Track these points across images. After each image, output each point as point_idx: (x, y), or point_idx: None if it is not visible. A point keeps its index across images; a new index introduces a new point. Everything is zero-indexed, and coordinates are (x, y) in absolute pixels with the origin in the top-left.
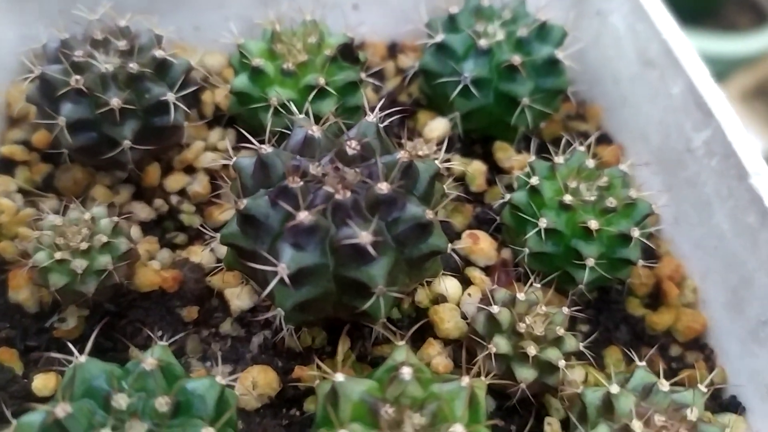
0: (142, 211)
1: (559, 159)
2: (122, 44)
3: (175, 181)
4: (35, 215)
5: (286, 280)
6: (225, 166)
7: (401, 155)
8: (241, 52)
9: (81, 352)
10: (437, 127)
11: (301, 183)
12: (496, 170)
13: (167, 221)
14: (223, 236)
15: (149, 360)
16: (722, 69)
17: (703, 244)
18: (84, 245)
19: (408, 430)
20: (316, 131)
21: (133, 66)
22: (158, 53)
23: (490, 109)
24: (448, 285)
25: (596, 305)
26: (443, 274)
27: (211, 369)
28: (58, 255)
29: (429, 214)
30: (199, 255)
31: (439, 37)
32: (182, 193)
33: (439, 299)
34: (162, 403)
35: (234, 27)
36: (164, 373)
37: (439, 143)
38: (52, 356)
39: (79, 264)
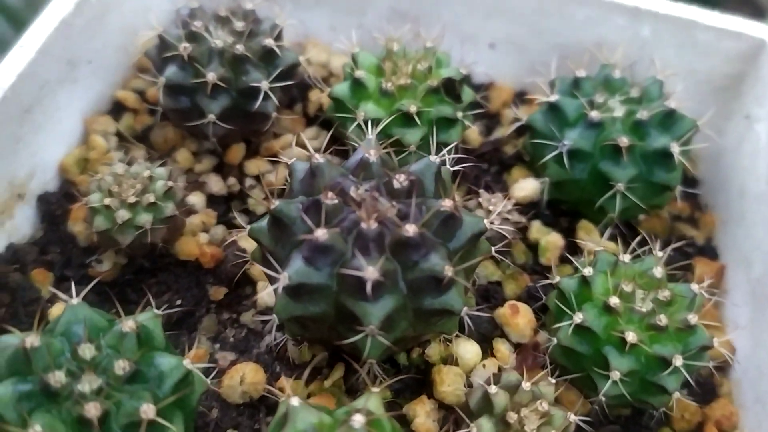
0: (216, 184)
1: (624, 257)
2: (240, 25)
3: (255, 165)
4: (118, 159)
5: (280, 290)
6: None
7: (445, 203)
8: (352, 60)
9: (111, 296)
10: (526, 187)
11: (336, 201)
12: (574, 249)
13: (235, 201)
14: (251, 230)
15: (129, 323)
16: None
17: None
18: (132, 199)
19: None
20: (372, 155)
21: (239, 47)
22: (267, 42)
23: (583, 184)
24: (466, 350)
25: (625, 423)
26: (467, 336)
27: (215, 352)
28: (107, 201)
29: (448, 271)
30: (249, 242)
31: (553, 97)
32: (258, 178)
33: (449, 360)
34: (120, 366)
35: (358, 35)
36: (140, 340)
37: (525, 205)
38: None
39: (122, 215)
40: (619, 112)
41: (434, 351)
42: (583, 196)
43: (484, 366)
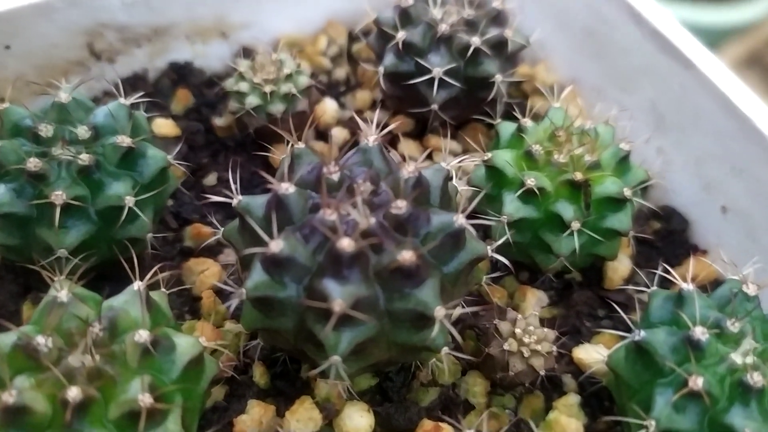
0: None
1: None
2: (468, 13)
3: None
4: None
5: (350, 312)
6: None
7: (458, 219)
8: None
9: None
10: None
11: (335, 215)
12: None
13: None
14: (225, 231)
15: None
16: (714, 39)
17: None
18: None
19: None
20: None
21: (475, 40)
22: (502, 33)
23: None
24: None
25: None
26: None
27: None
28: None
29: (438, 313)
30: None
31: None
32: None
33: None
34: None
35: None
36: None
37: None
38: None
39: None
40: None
41: None
42: None
43: None
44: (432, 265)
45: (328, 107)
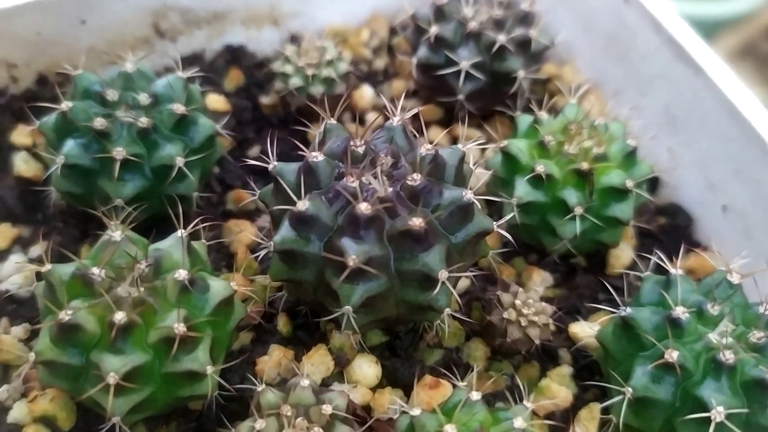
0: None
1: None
2: (497, 13)
3: None
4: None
5: (362, 266)
6: None
7: (467, 194)
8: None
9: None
10: None
11: (358, 182)
12: None
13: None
14: (261, 193)
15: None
16: (709, 30)
17: None
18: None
19: None
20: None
21: (501, 38)
22: (527, 33)
23: None
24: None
25: None
26: None
27: None
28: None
29: (442, 275)
30: None
31: None
32: None
33: None
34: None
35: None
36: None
37: None
38: None
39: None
40: None
41: None
42: None
43: None
44: (440, 233)
45: (366, 93)
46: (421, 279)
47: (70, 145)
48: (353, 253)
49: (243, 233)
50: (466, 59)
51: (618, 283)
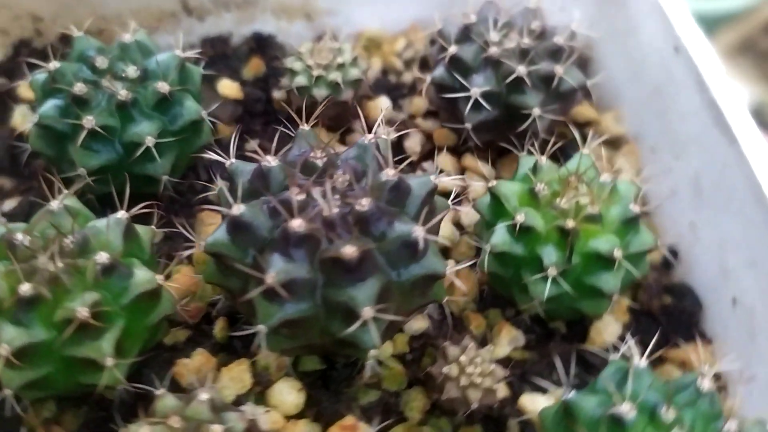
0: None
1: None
2: (536, 25)
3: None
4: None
5: (380, 316)
6: None
7: (388, 172)
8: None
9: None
10: None
11: (303, 197)
12: None
13: None
14: (208, 245)
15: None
16: (708, 25)
17: None
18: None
19: None
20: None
21: (521, 69)
22: (552, 69)
23: None
24: None
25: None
26: None
27: None
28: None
29: (417, 231)
30: None
31: None
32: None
33: None
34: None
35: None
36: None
37: None
38: None
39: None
40: None
41: None
42: None
43: None
44: (378, 267)
45: (380, 105)
46: (345, 313)
47: (48, 105)
48: (273, 270)
49: (212, 226)
50: (478, 86)
51: (593, 359)
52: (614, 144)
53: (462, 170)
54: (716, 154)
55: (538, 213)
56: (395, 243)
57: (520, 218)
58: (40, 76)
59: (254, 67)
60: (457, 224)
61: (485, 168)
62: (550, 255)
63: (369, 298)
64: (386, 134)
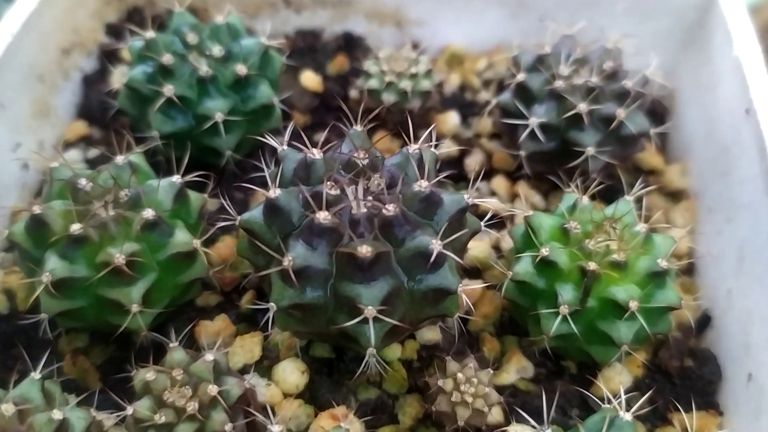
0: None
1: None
2: (609, 65)
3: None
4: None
5: (381, 317)
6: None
7: (421, 184)
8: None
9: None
10: None
11: (337, 192)
12: None
13: None
14: (243, 220)
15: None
16: None
17: None
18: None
19: None
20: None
21: (582, 106)
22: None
23: None
24: None
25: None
26: None
27: None
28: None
29: (435, 245)
30: None
31: None
32: None
33: None
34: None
35: None
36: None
37: None
38: None
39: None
40: None
41: None
42: None
43: None
44: (391, 271)
45: (450, 120)
46: (350, 307)
47: (137, 69)
48: (292, 254)
49: None
50: (537, 116)
51: (598, 406)
52: (675, 197)
53: (514, 196)
54: (763, 224)
55: (565, 250)
56: (412, 251)
57: (544, 251)
58: (138, 42)
59: (339, 64)
60: (497, 248)
61: (535, 197)
62: (566, 293)
63: (375, 299)
64: (434, 147)
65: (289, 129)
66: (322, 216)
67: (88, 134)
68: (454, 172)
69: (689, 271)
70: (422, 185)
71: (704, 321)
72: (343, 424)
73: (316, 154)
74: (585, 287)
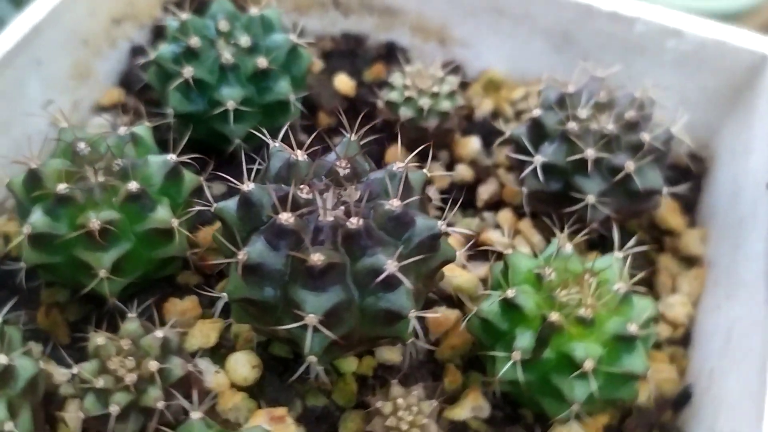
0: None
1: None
2: (630, 115)
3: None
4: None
5: (321, 328)
6: None
7: (393, 203)
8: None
9: None
10: None
11: (309, 196)
12: None
13: None
14: (217, 208)
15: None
16: None
17: None
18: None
19: None
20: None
21: (589, 152)
22: (623, 163)
23: None
24: None
25: None
26: None
27: None
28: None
29: (390, 266)
30: None
31: None
32: None
33: None
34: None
35: None
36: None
37: None
38: None
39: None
40: None
41: None
42: None
43: None
44: (342, 284)
45: (470, 144)
46: (294, 312)
47: (167, 48)
48: (248, 249)
49: None
50: (543, 155)
51: None
52: (688, 262)
53: (517, 232)
54: (753, 307)
55: (534, 296)
56: (367, 268)
57: (510, 293)
58: (175, 22)
59: (376, 72)
60: (485, 280)
61: (536, 236)
62: (523, 339)
63: (320, 308)
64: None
65: (284, 128)
66: (284, 217)
67: (123, 102)
68: (462, 197)
69: (685, 341)
70: (394, 204)
71: (684, 397)
72: (273, 426)
73: (300, 155)
74: (540, 337)
